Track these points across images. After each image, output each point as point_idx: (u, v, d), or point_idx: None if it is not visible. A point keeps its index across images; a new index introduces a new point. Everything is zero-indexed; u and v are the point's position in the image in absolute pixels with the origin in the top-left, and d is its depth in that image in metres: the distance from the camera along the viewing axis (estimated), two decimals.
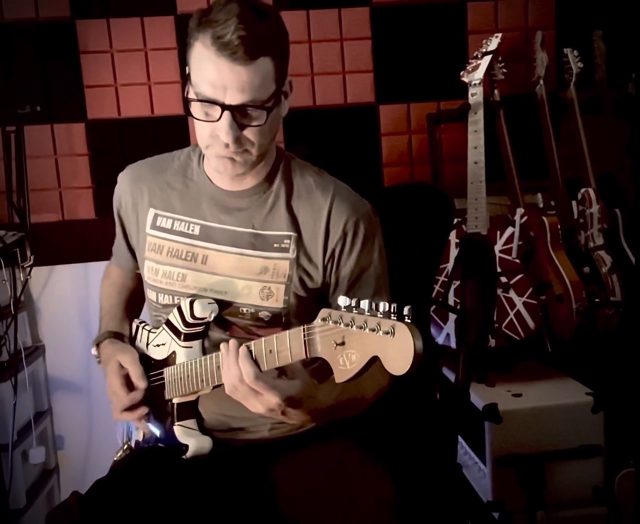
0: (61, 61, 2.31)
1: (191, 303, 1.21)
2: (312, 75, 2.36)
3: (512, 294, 2.04)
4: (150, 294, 1.32)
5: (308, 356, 0.99)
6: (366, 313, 0.90)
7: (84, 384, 2.42)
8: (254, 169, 1.23)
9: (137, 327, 1.38)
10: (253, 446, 1.29)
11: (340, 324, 0.92)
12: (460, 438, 2.11)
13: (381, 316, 0.89)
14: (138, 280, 1.46)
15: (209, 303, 1.22)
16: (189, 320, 1.22)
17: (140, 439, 1.34)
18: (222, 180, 1.26)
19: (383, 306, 0.89)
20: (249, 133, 1.14)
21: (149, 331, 1.34)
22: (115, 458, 1.41)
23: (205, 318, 1.22)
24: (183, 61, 2.50)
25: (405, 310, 0.87)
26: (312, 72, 2.36)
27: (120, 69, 2.33)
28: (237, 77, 1.08)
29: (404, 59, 2.40)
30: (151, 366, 1.31)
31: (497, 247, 2.08)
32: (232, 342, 1.10)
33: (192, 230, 1.26)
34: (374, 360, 0.89)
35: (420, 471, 1.48)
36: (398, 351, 0.85)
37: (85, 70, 2.32)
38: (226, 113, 1.10)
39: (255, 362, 1.06)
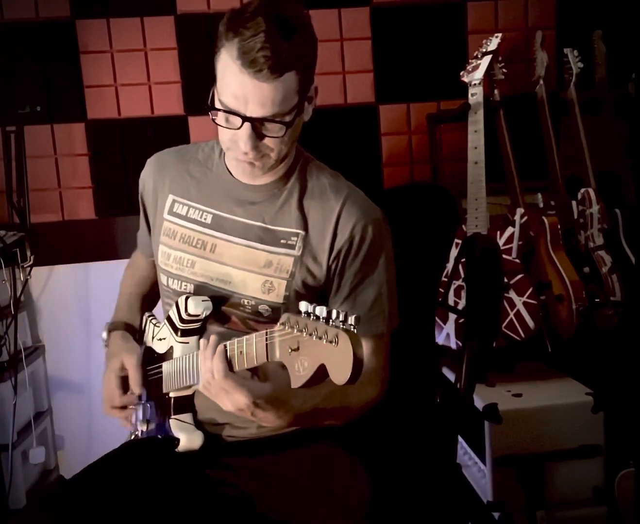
0: (61, 61, 2.31)
1: (186, 299, 1.23)
2: None
3: (512, 294, 2.04)
4: (162, 278, 1.34)
5: (268, 359, 0.99)
6: (320, 321, 0.89)
7: (84, 384, 2.42)
8: (273, 170, 1.25)
9: (146, 320, 1.40)
10: (243, 442, 1.29)
11: (295, 330, 0.92)
12: (460, 438, 2.11)
13: (332, 324, 0.87)
14: None
15: (202, 301, 1.23)
16: (184, 316, 1.24)
17: (145, 429, 1.35)
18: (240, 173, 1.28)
19: (335, 314, 0.88)
20: (268, 141, 1.16)
21: (155, 325, 1.36)
22: None
23: (199, 315, 1.23)
24: (183, 61, 2.51)
25: (351, 319, 0.86)
26: None
27: (120, 69, 2.34)
28: (260, 92, 1.10)
29: (404, 59, 2.40)
30: (153, 360, 1.33)
31: None
32: (212, 338, 1.11)
33: (205, 219, 1.28)
34: (322, 368, 0.88)
35: (420, 471, 1.48)
36: (340, 360, 0.84)
37: (85, 70, 2.32)
38: (246, 124, 1.12)
39: (230, 362, 1.07)
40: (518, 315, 2.02)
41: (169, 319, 1.28)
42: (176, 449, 1.25)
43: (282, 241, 1.25)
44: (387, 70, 2.41)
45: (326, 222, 1.25)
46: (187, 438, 1.25)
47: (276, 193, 1.27)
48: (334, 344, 0.85)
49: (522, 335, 2.01)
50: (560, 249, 2.12)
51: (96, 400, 2.40)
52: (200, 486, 1.25)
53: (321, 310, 0.89)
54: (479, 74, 2.12)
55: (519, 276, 2.04)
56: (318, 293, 1.27)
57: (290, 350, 0.93)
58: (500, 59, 2.19)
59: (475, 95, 2.11)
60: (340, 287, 1.27)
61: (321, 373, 0.89)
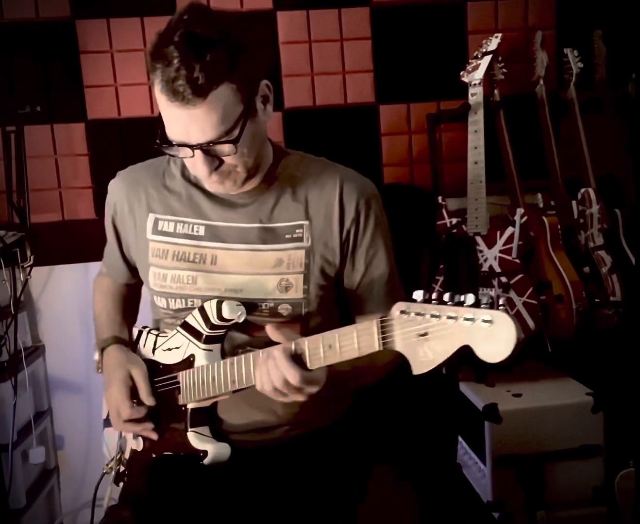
0: (61, 61, 2.30)
1: (218, 304, 1.19)
2: (312, 75, 2.36)
3: (512, 294, 2.04)
4: (159, 301, 1.29)
5: (381, 348, 0.99)
6: (452, 305, 0.92)
7: (84, 384, 2.42)
8: (251, 178, 1.23)
9: (140, 333, 1.36)
10: (267, 447, 1.27)
11: (424, 316, 0.94)
12: (460, 438, 2.11)
13: (466, 306, 0.91)
14: (132, 291, 1.46)
15: (237, 305, 1.20)
16: (215, 321, 1.20)
17: (140, 448, 1.31)
18: None
19: (473, 298, 0.91)
20: (228, 159, 1.14)
21: (157, 335, 1.32)
22: (105, 471, 1.38)
23: (233, 319, 1.20)
24: None
25: (503, 300, 0.91)
26: (312, 72, 2.36)
27: (120, 69, 2.33)
28: (194, 119, 1.08)
29: (404, 59, 2.40)
30: (158, 372, 1.28)
31: (497, 247, 2.08)
32: (284, 347, 1.10)
33: (197, 231, 1.25)
34: (462, 349, 0.91)
35: (420, 470, 1.49)
36: (496, 338, 0.88)
37: (85, 70, 2.32)
38: (197, 152, 1.11)
39: (301, 360, 1.07)
40: (518, 315, 2.02)
41: (187, 326, 1.24)
42: (202, 462, 1.20)
43: (287, 236, 1.23)
44: (387, 70, 2.40)
45: (329, 205, 1.24)
46: (214, 449, 1.21)
47: (266, 194, 1.26)
48: (488, 324, 0.88)
49: (522, 335, 2.01)
50: (560, 249, 2.12)
51: (96, 400, 2.40)
52: (233, 498, 1.22)
53: (450, 295, 0.93)
54: (479, 74, 2.12)
55: (519, 276, 2.04)
56: (335, 278, 1.27)
57: (417, 337, 0.94)
58: (500, 59, 2.19)
59: (475, 95, 2.11)
60: (355, 266, 1.27)
61: (457, 354, 0.92)
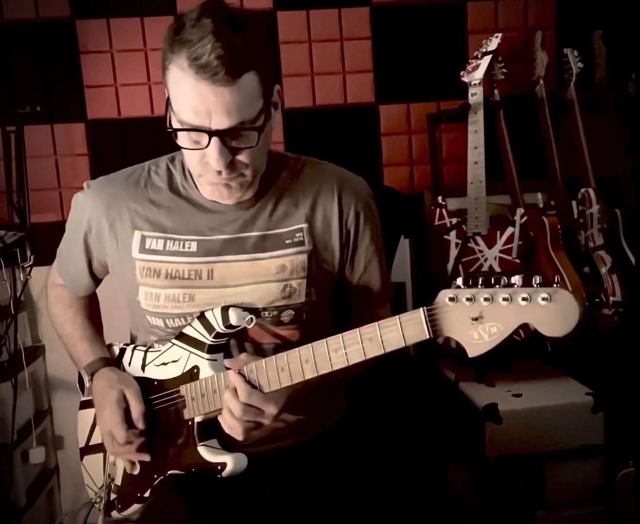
0: (61, 61, 2.31)
1: (224, 311, 1.15)
2: (312, 75, 2.36)
3: None
4: (154, 321, 1.23)
5: (430, 336, 0.98)
6: (501, 287, 0.94)
7: None
8: (251, 187, 1.18)
9: (123, 350, 1.29)
10: (275, 456, 1.25)
11: (476, 301, 0.94)
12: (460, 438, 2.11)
13: (517, 286, 0.93)
14: (94, 300, 1.41)
15: (243, 311, 1.15)
16: (221, 329, 1.16)
17: (136, 471, 1.24)
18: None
19: (519, 279, 0.93)
20: (241, 156, 1.08)
21: (146, 351, 1.25)
22: (94, 500, 1.31)
23: (240, 326, 1.15)
24: None
25: (558, 277, 0.94)
26: (312, 72, 2.36)
27: (120, 69, 2.33)
28: (221, 99, 1.01)
29: (404, 59, 2.40)
30: (153, 388, 1.22)
31: (497, 247, 2.08)
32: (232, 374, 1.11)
33: (189, 248, 1.18)
34: (520, 327, 0.94)
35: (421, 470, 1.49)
36: (559, 313, 0.91)
37: (85, 70, 2.32)
38: (214, 139, 1.03)
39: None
40: None
41: (185, 337, 1.19)
42: (221, 475, 1.15)
43: (287, 241, 1.19)
44: (387, 70, 2.40)
45: (328, 206, 1.22)
46: (233, 460, 1.15)
47: (261, 203, 1.21)
48: (547, 302, 0.91)
49: (522, 335, 2.01)
50: (560, 249, 2.12)
51: None
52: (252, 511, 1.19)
53: (487, 280, 0.94)
54: (479, 74, 2.12)
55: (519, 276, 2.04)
56: (334, 278, 1.27)
57: (471, 320, 0.95)
58: (500, 59, 2.19)
59: (475, 95, 2.11)
60: (354, 265, 1.27)
61: (514, 333, 0.95)
